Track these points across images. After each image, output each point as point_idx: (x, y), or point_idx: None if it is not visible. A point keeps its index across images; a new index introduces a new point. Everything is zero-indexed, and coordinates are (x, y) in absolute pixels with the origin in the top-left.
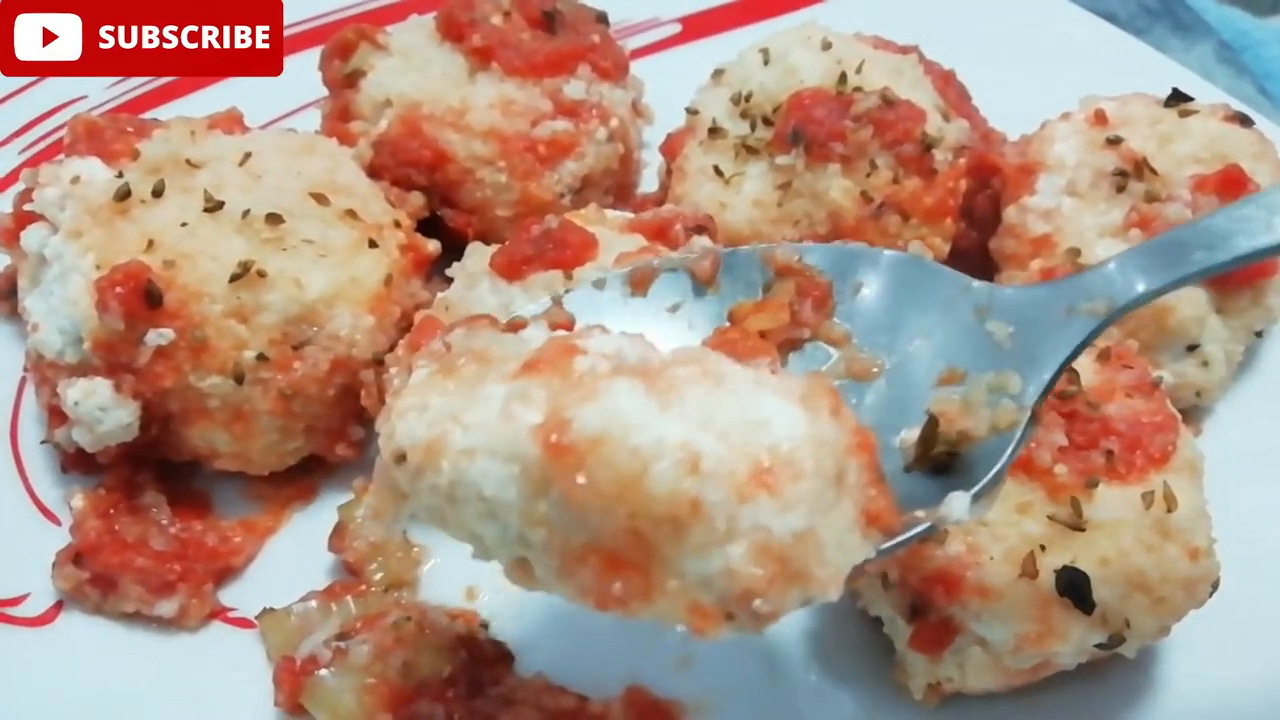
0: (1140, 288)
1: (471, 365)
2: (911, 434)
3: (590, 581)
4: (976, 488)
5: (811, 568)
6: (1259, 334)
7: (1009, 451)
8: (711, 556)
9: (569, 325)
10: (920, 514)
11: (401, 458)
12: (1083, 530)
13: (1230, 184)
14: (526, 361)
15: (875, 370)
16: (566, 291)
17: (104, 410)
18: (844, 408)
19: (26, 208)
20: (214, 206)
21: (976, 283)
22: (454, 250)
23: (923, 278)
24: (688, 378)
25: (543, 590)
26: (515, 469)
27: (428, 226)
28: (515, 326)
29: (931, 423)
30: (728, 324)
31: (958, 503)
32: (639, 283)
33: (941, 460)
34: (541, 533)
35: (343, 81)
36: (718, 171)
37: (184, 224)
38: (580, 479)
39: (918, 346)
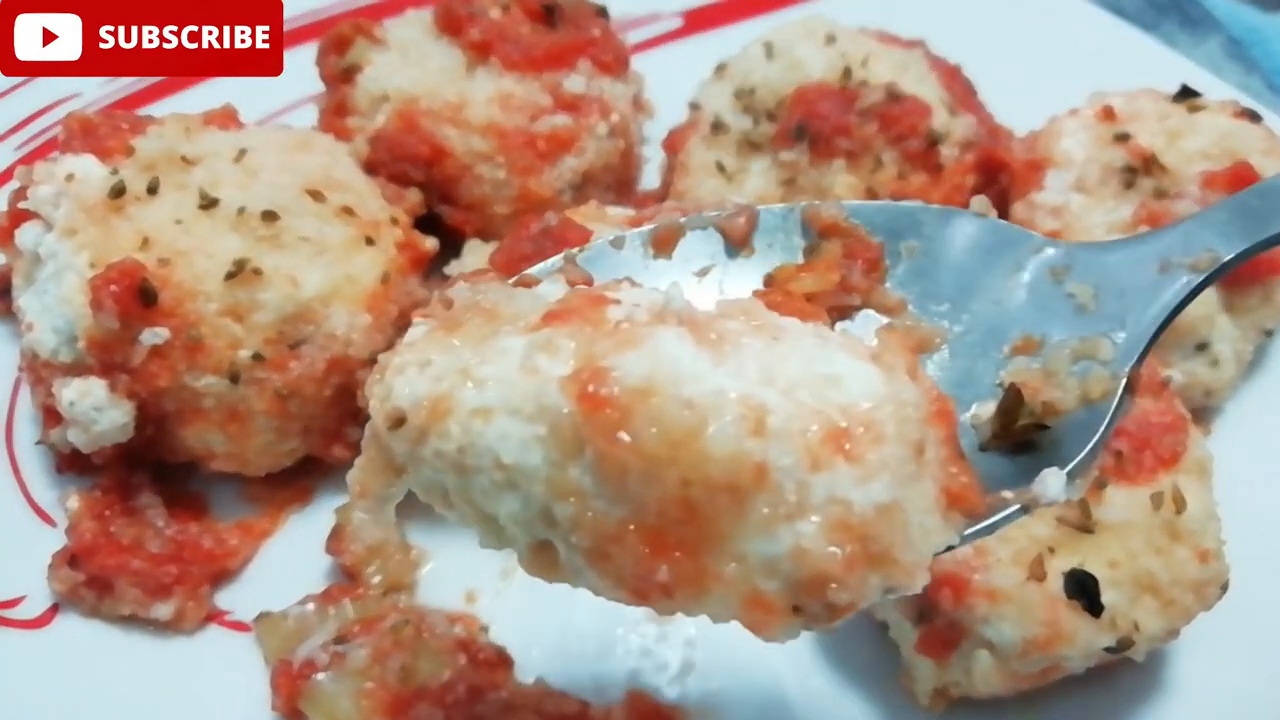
0: (1248, 238)
1: (480, 320)
2: (985, 408)
3: (629, 567)
4: (1072, 464)
5: (895, 550)
6: (1269, 333)
7: (1106, 422)
8: (779, 534)
9: (587, 283)
10: (1008, 494)
11: (399, 421)
12: (1091, 532)
13: (1240, 180)
14: (548, 312)
15: (938, 340)
16: (580, 251)
17: (99, 410)
18: (921, 369)
19: (21, 205)
20: (209, 204)
21: (1051, 241)
22: (452, 248)
23: (987, 237)
24: (741, 330)
25: (568, 581)
26: (541, 428)
27: (425, 223)
28: (526, 284)
29: (1013, 393)
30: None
31: (1053, 481)
32: (662, 242)
33: (1022, 437)
34: (571, 506)
35: (339, 76)
36: (720, 167)
37: (179, 221)
38: (622, 437)
39: (985, 313)
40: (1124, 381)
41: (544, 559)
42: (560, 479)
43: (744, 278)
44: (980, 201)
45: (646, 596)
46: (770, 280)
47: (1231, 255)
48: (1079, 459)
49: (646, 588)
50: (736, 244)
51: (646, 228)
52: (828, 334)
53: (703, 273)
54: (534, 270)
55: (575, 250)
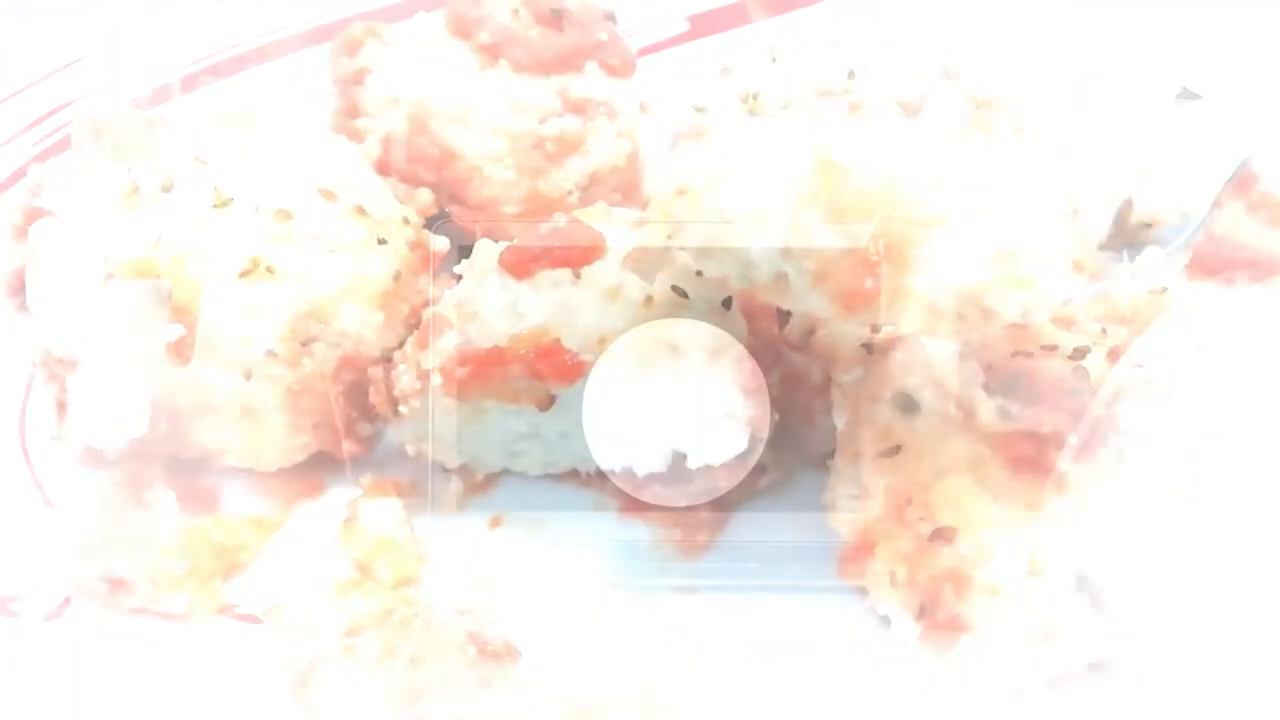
0: None
1: None
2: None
3: (843, 282)
4: (1168, 248)
5: (1032, 276)
6: None
7: (1198, 224)
8: (954, 268)
9: None
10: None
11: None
12: (1092, 529)
13: (1243, 182)
14: None
15: None
16: None
17: (112, 406)
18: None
19: (35, 203)
20: (222, 202)
21: None
22: (462, 247)
23: None
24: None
25: (792, 302)
26: (788, 190)
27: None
28: None
29: (1127, 201)
30: None
31: (1152, 255)
32: None
33: (1132, 237)
34: (805, 239)
35: (350, 78)
36: None
37: (192, 219)
38: (843, 193)
39: None
40: (1213, 200)
41: (778, 286)
42: (797, 221)
43: None
44: None
45: (852, 308)
46: None
47: None
48: (1174, 244)
49: (854, 300)
50: None
51: None
52: None
53: None
54: None
55: None
